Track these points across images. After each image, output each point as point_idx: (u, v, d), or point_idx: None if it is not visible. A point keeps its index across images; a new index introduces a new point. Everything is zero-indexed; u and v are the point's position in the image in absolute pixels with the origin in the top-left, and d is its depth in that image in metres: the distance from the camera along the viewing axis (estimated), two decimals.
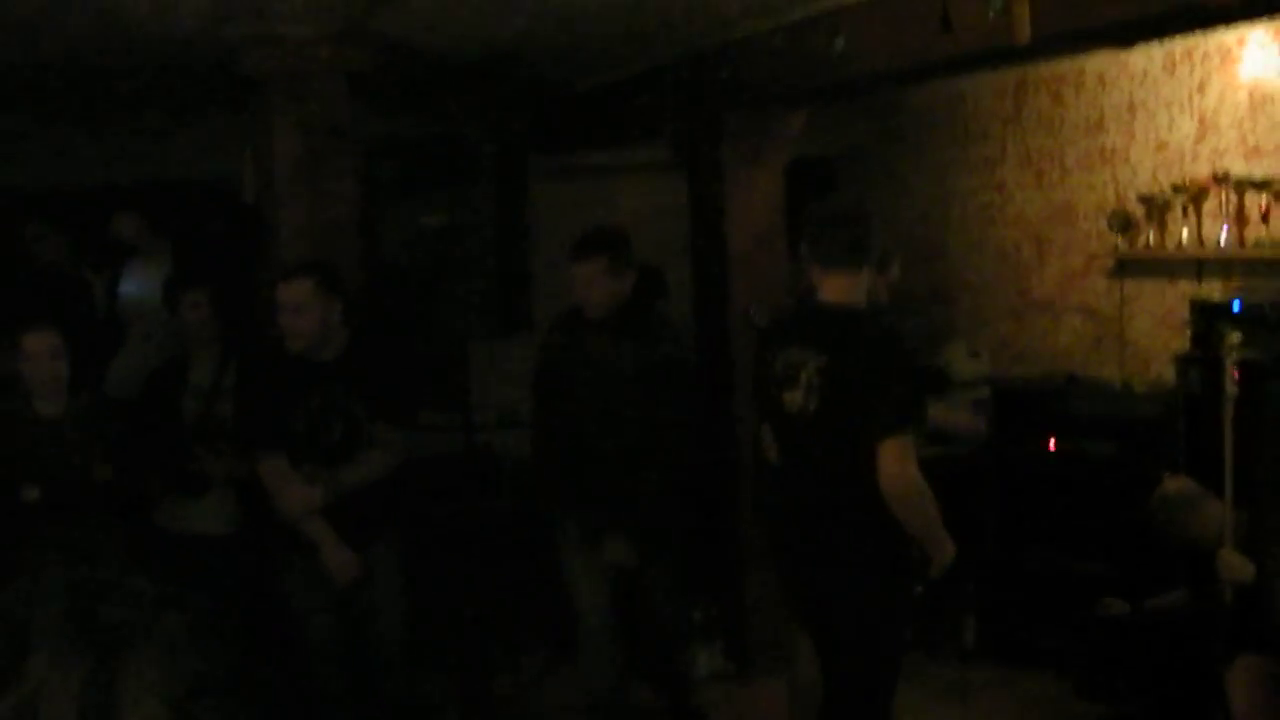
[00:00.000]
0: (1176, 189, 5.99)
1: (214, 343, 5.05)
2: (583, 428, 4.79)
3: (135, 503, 4.68)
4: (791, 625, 4.98)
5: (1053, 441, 5.99)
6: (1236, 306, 5.31)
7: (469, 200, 5.86)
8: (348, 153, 5.28)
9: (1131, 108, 6.36)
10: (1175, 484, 4.82)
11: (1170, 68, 6.16)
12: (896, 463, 3.69)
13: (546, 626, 6.05)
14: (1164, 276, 6.18)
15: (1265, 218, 5.64)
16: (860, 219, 3.99)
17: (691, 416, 4.94)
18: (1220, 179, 5.80)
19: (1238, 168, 5.80)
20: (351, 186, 5.29)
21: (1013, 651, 5.95)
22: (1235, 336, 4.46)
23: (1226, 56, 5.92)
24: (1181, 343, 5.73)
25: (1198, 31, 4.91)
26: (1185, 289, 5.98)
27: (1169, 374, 5.82)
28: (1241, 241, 5.75)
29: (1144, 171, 6.29)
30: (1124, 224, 6.25)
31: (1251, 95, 5.82)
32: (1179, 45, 6.05)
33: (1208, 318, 5.36)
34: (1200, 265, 5.96)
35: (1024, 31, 4.15)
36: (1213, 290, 5.78)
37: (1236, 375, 4.43)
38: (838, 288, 3.87)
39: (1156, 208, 6.11)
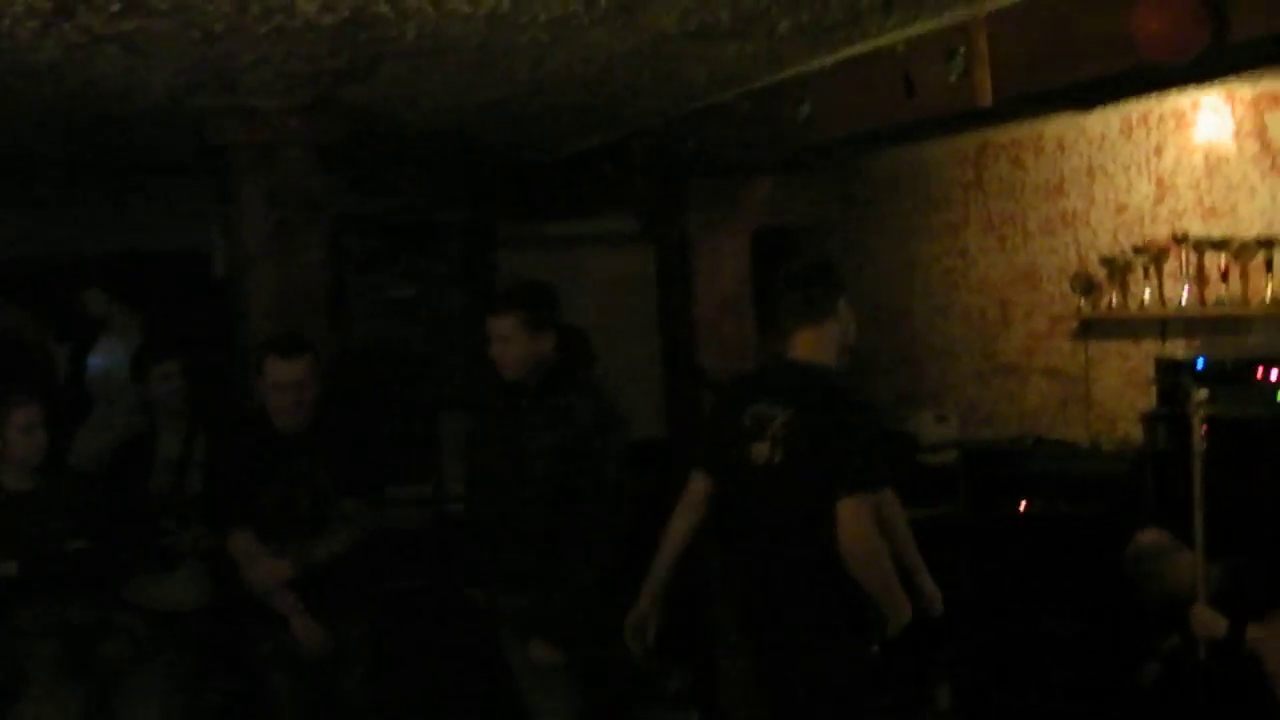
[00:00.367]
0: (1137, 250, 6.08)
1: (183, 415, 5.03)
2: (500, 505, 4.43)
3: (107, 577, 4.64)
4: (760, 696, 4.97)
5: (1023, 503, 6.02)
6: (1200, 364, 5.37)
7: (437, 272, 5.88)
8: (317, 224, 5.31)
9: (1091, 171, 6.46)
10: (1149, 536, 4.86)
11: (1127, 131, 6.27)
12: (855, 522, 3.66)
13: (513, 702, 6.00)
14: (1128, 337, 6.25)
15: (1225, 276, 5.72)
16: (820, 274, 4.03)
17: (622, 492, 4.38)
18: (1179, 239, 5.89)
19: (1196, 228, 5.89)
20: (321, 258, 5.31)
21: (988, 714, 5.93)
22: (1202, 393, 4.52)
23: (1181, 120, 6.03)
24: (1147, 401, 5.78)
25: (1153, 95, 5.01)
26: (1149, 349, 6.04)
27: (1135, 433, 5.88)
28: (1202, 300, 5.83)
29: (1105, 234, 6.37)
30: (1087, 286, 6.33)
31: (1207, 157, 5.93)
32: (1135, 110, 6.16)
33: (1173, 375, 5.41)
34: (1163, 325, 6.03)
35: (985, 95, 4.24)
36: (1177, 349, 5.84)
37: (1204, 431, 4.47)
38: (804, 344, 3.89)
39: (1118, 269, 6.19)
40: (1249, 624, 4.36)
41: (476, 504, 4.68)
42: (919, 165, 7.39)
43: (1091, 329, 6.42)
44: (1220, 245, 5.74)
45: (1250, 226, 5.71)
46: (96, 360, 5.92)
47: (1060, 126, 6.55)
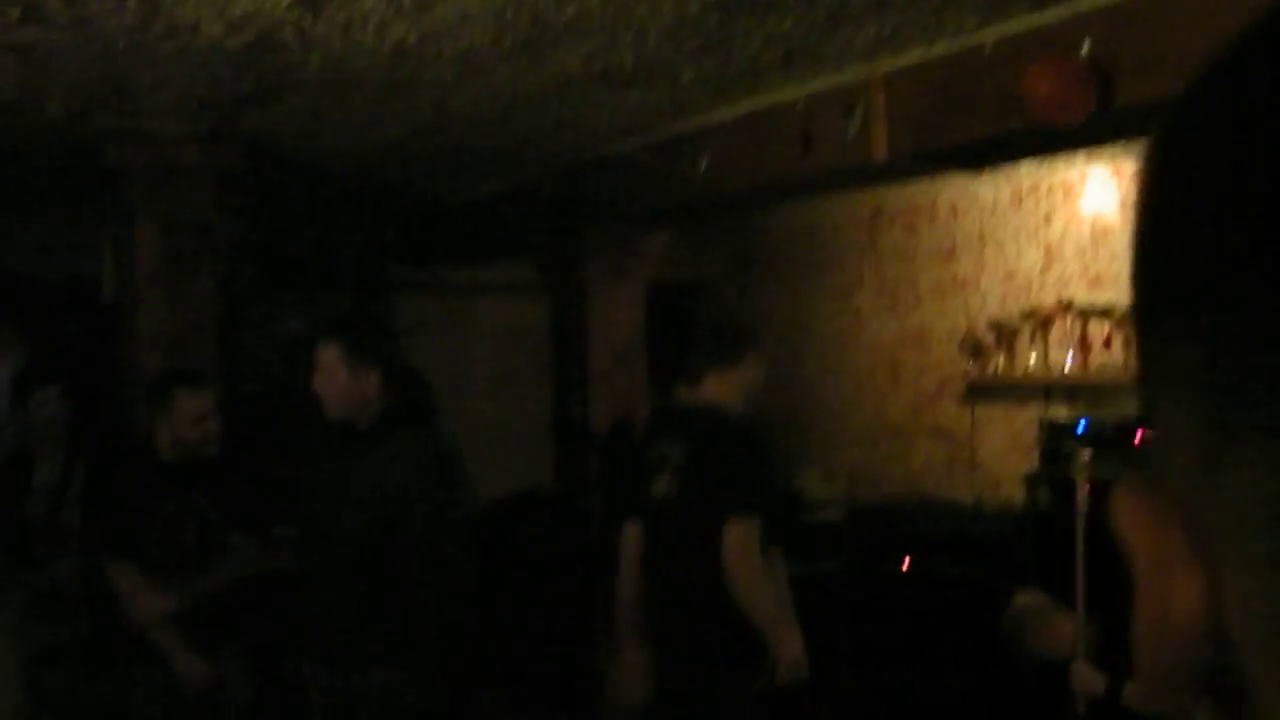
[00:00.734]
0: (1024, 316, 6.22)
1: (61, 442, 4.92)
2: (319, 562, 3.94)
3: None
4: None
5: (906, 561, 6.08)
6: (1082, 427, 5.49)
7: (330, 308, 5.82)
8: (211, 253, 5.24)
9: (982, 238, 6.61)
10: (1027, 598, 4.92)
11: (1018, 201, 6.43)
12: (738, 546, 3.81)
13: None
14: (1013, 400, 6.38)
15: (1108, 344, 5.88)
16: (732, 325, 4.42)
17: (465, 562, 3.91)
18: (1065, 307, 6.05)
19: (1081, 296, 6.05)
20: (213, 287, 5.24)
21: None
22: (1085, 454, 4.62)
23: (1070, 192, 6.21)
24: (1030, 464, 5.90)
25: (1043, 158, 5.14)
26: (1033, 413, 6.17)
27: (1018, 495, 5.98)
28: (1086, 366, 5.98)
29: (994, 299, 6.52)
30: (975, 349, 6.45)
31: (1093, 227, 6.10)
32: (1026, 180, 6.33)
33: (1055, 438, 5.53)
34: (1047, 390, 6.17)
35: (881, 151, 4.33)
36: (1060, 413, 5.98)
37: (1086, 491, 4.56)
38: (711, 386, 4.09)
39: (1006, 334, 6.32)
40: (1127, 682, 4.43)
41: (301, 562, 4.16)
42: (815, 227, 7.50)
43: (978, 392, 6.54)
44: (1104, 313, 5.89)
45: None
46: None
47: (953, 193, 6.70)
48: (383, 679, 3.77)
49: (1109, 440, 5.39)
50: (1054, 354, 6.12)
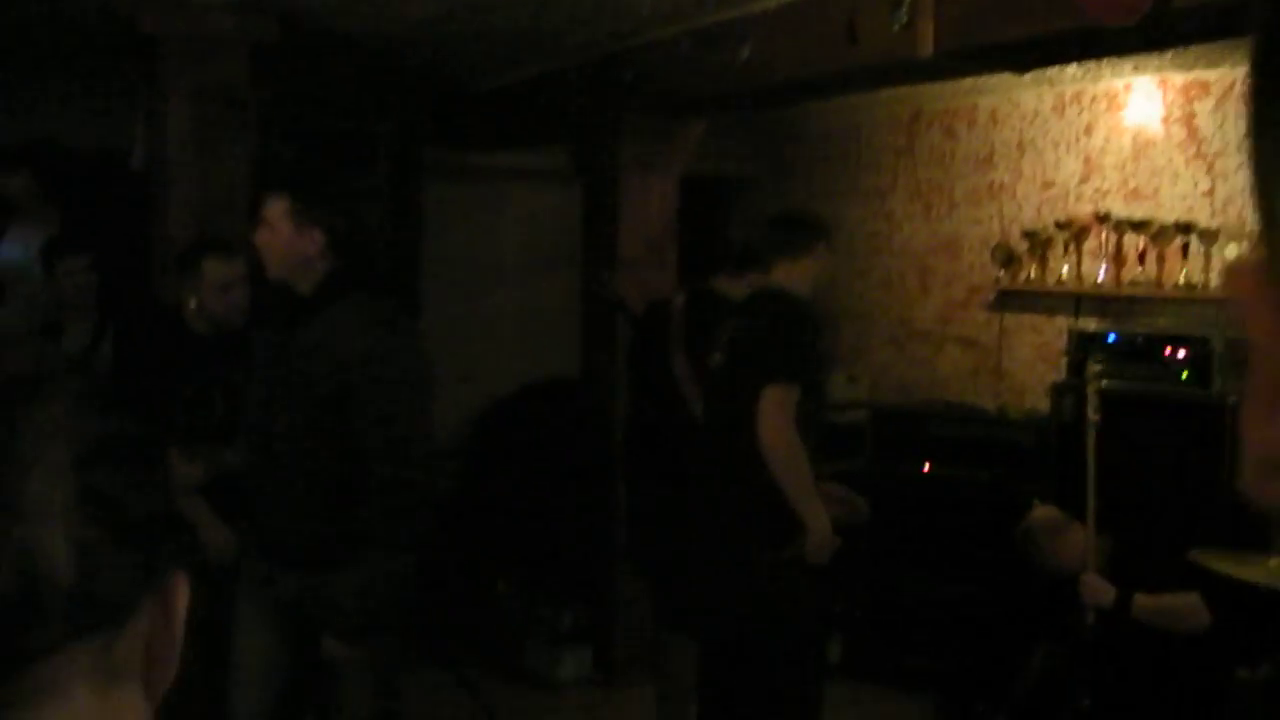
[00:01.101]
0: (1059, 226, 6.16)
1: (90, 311, 4.92)
2: (271, 452, 3.55)
3: None
4: (664, 628, 5.03)
5: (926, 465, 6.09)
6: (1112, 338, 5.46)
7: (361, 185, 5.79)
8: (243, 126, 5.19)
9: (1020, 145, 6.52)
10: (1041, 512, 4.93)
11: (1060, 109, 6.34)
12: (773, 412, 3.91)
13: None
14: (1042, 310, 6.34)
15: (1142, 258, 5.82)
16: (804, 218, 4.58)
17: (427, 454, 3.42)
18: (1101, 219, 5.98)
19: (1118, 209, 5.98)
20: (245, 159, 5.20)
21: (875, 671, 6.00)
22: (1096, 364, 4.62)
23: (1113, 102, 6.11)
24: (1057, 375, 5.88)
25: (1093, 59, 5.04)
26: (1062, 324, 6.13)
27: (1042, 405, 5.96)
28: (1119, 280, 5.92)
29: (1029, 208, 6.45)
30: (1006, 258, 6.40)
31: (1135, 140, 6.01)
32: (1069, 88, 6.23)
33: (1084, 348, 5.50)
34: (1078, 301, 6.12)
35: (927, 46, 4.24)
36: (1089, 325, 5.94)
37: (1098, 402, 4.56)
38: (778, 274, 4.25)
39: (1039, 244, 6.26)
40: (1137, 594, 4.45)
41: (250, 450, 3.76)
42: (851, 128, 7.42)
43: (1008, 301, 6.50)
44: (1140, 227, 5.83)
45: (1171, 211, 5.81)
46: (11, 249, 5.77)
47: (994, 99, 6.61)
48: (349, 583, 3.33)
49: (1139, 353, 5.37)
50: (1087, 266, 6.07)
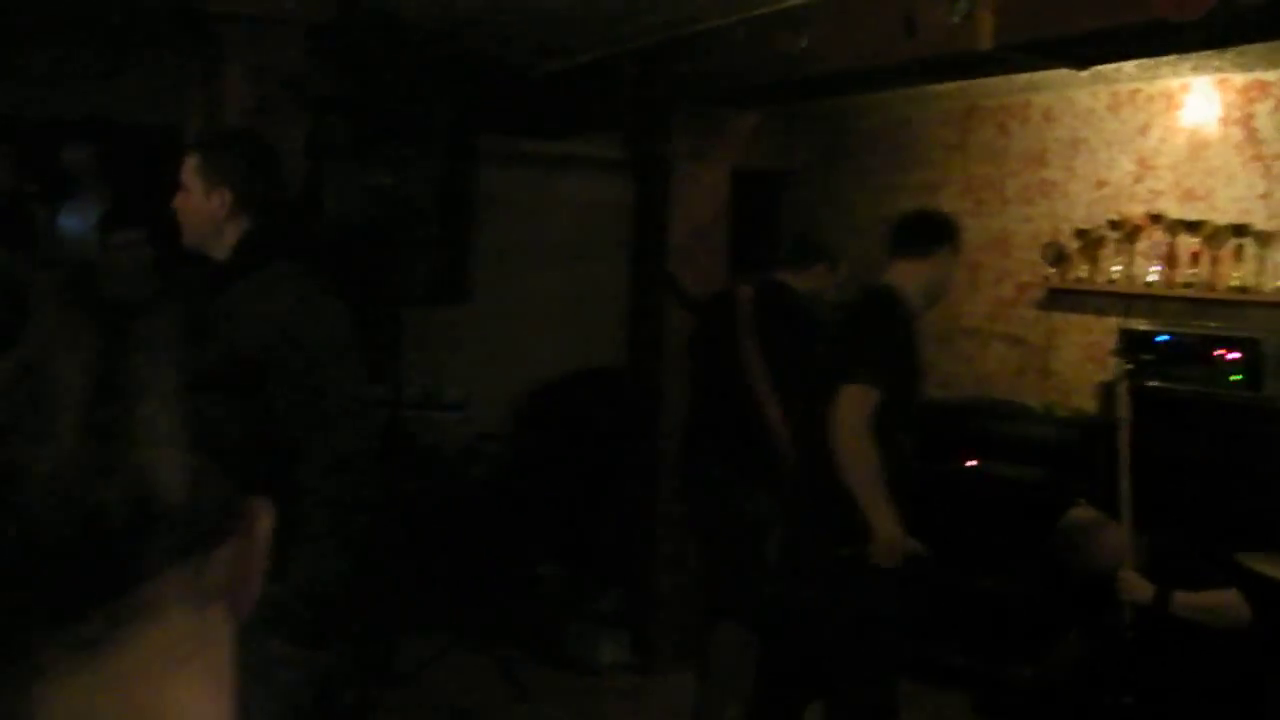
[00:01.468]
0: (1112, 225, 6.12)
1: (143, 284, 4.95)
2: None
3: None
4: (712, 615, 5.04)
5: (971, 461, 6.06)
6: (1163, 338, 5.43)
7: (416, 166, 5.81)
8: (300, 105, 5.22)
9: (1075, 144, 6.49)
10: (1078, 513, 4.92)
11: (1115, 108, 6.30)
12: (846, 411, 3.87)
13: (448, 608, 6.05)
14: (1092, 310, 6.30)
15: (1195, 259, 5.78)
16: (929, 220, 4.41)
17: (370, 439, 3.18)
18: (1155, 219, 5.94)
19: (1172, 209, 5.94)
20: (300, 140, 5.23)
21: (916, 667, 5.98)
22: (1126, 364, 4.63)
23: (1169, 101, 6.07)
24: (1104, 373, 5.84)
25: (1154, 55, 5.00)
26: (1111, 324, 6.09)
27: (1089, 406, 5.93)
28: (1170, 281, 5.88)
29: (1081, 206, 6.41)
30: (1057, 256, 6.37)
31: (1191, 140, 5.97)
32: (1125, 87, 6.19)
33: (1134, 348, 5.47)
34: (1128, 301, 6.08)
35: (986, 39, 4.23)
36: (1139, 325, 5.90)
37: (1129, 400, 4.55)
38: (894, 273, 4.17)
39: (1091, 242, 6.23)
40: (1176, 591, 4.44)
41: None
42: (904, 122, 7.39)
43: (1057, 299, 6.46)
44: (1194, 228, 5.79)
45: (1225, 213, 5.77)
46: (69, 221, 5.84)
47: (1049, 96, 6.57)
48: (292, 582, 2.89)
49: (1190, 354, 5.33)
50: (1138, 266, 6.03)
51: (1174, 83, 6.01)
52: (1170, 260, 5.90)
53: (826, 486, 3.95)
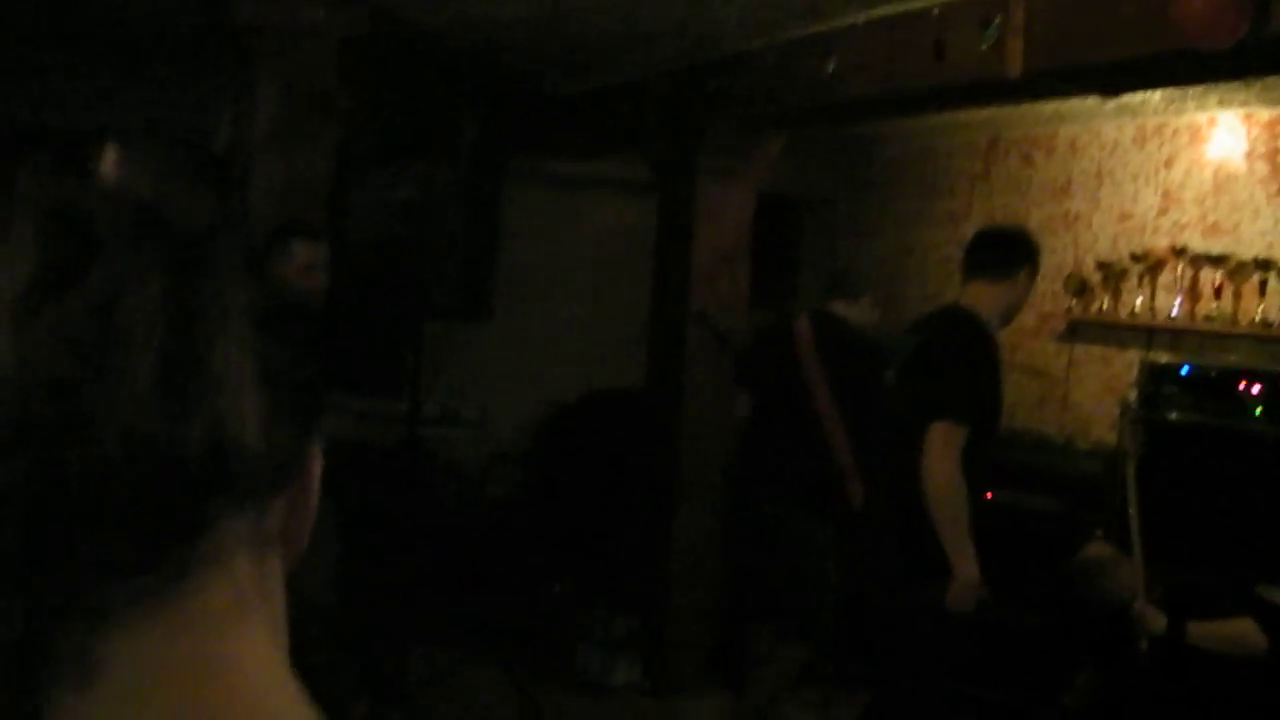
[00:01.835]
0: (1135, 258, 6.12)
1: None
2: None
3: None
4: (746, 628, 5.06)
5: (989, 494, 6.03)
6: (1186, 370, 5.41)
7: (442, 180, 5.84)
8: (328, 118, 5.25)
9: (1099, 176, 6.49)
10: (1095, 549, 4.92)
11: (1140, 141, 6.30)
12: (938, 450, 3.79)
13: (464, 626, 6.03)
14: (1113, 342, 6.29)
15: (1218, 293, 5.77)
16: (1009, 241, 4.25)
17: None
18: (1178, 252, 5.93)
19: (1196, 243, 5.93)
20: (329, 151, 5.26)
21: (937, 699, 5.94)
22: (1132, 395, 4.63)
23: (1195, 135, 6.07)
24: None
25: (1183, 83, 5.00)
26: (1132, 356, 6.08)
27: (1109, 439, 5.91)
28: (1193, 314, 5.87)
29: (1105, 239, 6.41)
30: (1079, 288, 6.36)
31: (1216, 174, 5.97)
32: (1150, 120, 6.20)
33: (1156, 380, 5.46)
34: (1150, 334, 6.07)
35: (1016, 65, 4.24)
36: (1160, 359, 5.89)
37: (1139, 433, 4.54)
38: (970, 295, 4.12)
39: (1113, 275, 6.22)
40: (1191, 622, 4.43)
41: None
42: (928, 152, 7.40)
43: (1078, 331, 6.45)
44: (1218, 262, 5.79)
45: (1250, 247, 5.76)
46: None
47: (1074, 128, 6.58)
48: None
49: (1212, 387, 5.32)
50: (1161, 299, 6.03)
51: (1200, 117, 6.02)
52: (1193, 294, 5.90)
53: (906, 522, 3.88)
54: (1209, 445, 5.23)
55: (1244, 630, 4.37)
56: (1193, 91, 5.40)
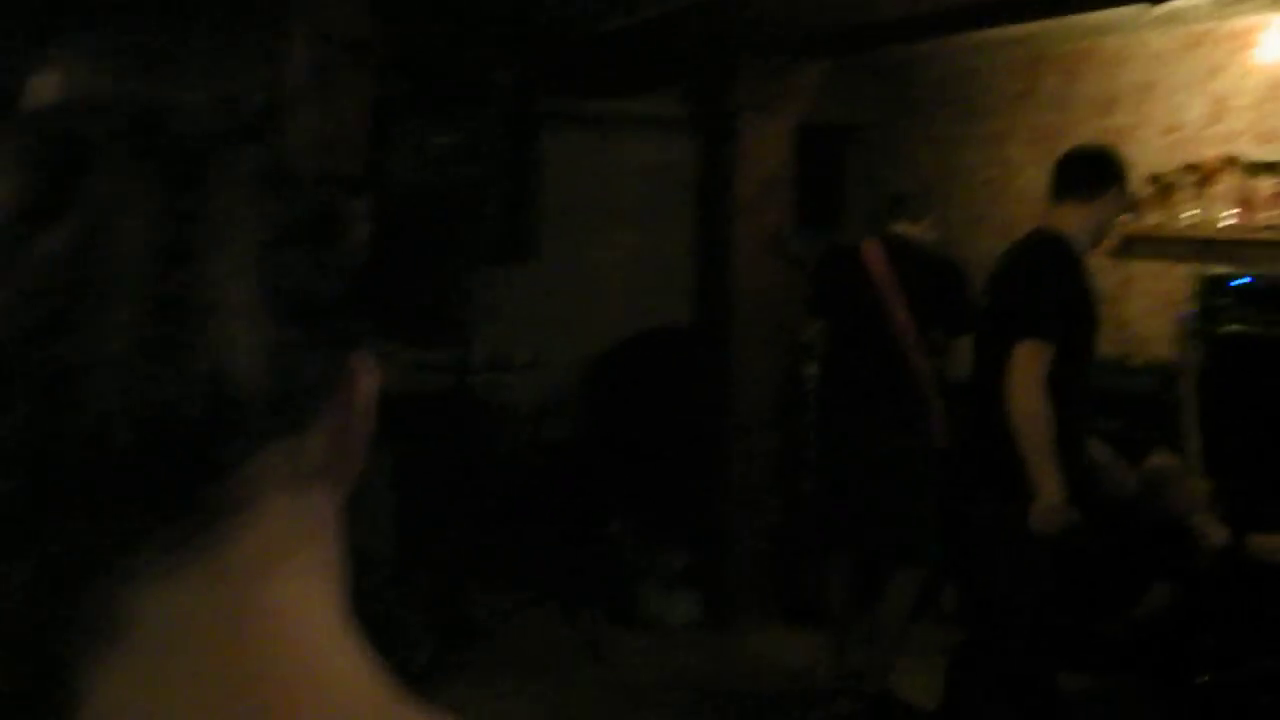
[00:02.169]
0: (1187, 169, 6.00)
1: None
2: None
3: None
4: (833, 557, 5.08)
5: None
6: (1242, 281, 5.33)
7: (480, 123, 5.81)
8: (363, 67, 5.22)
9: (1145, 88, 6.36)
10: (1159, 460, 4.88)
11: (1187, 49, 6.17)
12: (1020, 370, 3.81)
13: (521, 568, 6.08)
14: (1168, 256, 6.19)
15: (1274, 201, 5.66)
16: (1095, 160, 4.23)
17: None
18: (1230, 162, 5.82)
19: (1249, 151, 5.81)
20: (363, 100, 5.24)
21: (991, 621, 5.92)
22: (1190, 308, 4.57)
23: (1244, 41, 5.93)
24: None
25: None
26: (1187, 270, 5.98)
27: (1165, 354, 5.84)
28: (1248, 224, 5.77)
29: (1154, 152, 6.28)
30: (1130, 202, 6.24)
31: (1267, 80, 5.84)
32: (1197, 27, 6.06)
33: (1213, 293, 5.37)
34: (1205, 246, 5.96)
35: None
36: (1218, 270, 5.79)
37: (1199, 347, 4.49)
38: (1057, 216, 4.11)
39: (1164, 188, 6.11)
40: (1252, 533, 4.39)
41: None
42: (969, 73, 7.29)
43: (1131, 247, 6.35)
44: (1272, 169, 5.67)
45: None
46: None
47: (1117, 40, 6.45)
48: None
49: (1273, 297, 5.23)
50: (1214, 210, 5.91)
51: (1249, 21, 5.87)
52: (1247, 203, 5.78)
53: (994, 443, 3.89)
54: (1268, 356, 5.15)
55: None
56: None
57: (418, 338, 5.51)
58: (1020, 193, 7.01)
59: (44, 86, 0.69)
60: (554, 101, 6.79)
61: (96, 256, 0.58)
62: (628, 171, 7.40)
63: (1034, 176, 6.90)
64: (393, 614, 5.10)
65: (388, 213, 5.34)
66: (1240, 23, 5.88)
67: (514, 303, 6.78)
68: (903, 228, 5.08)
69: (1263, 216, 5.71)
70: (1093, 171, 4.12)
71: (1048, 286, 3.92)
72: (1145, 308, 6.29)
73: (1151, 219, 6.18)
